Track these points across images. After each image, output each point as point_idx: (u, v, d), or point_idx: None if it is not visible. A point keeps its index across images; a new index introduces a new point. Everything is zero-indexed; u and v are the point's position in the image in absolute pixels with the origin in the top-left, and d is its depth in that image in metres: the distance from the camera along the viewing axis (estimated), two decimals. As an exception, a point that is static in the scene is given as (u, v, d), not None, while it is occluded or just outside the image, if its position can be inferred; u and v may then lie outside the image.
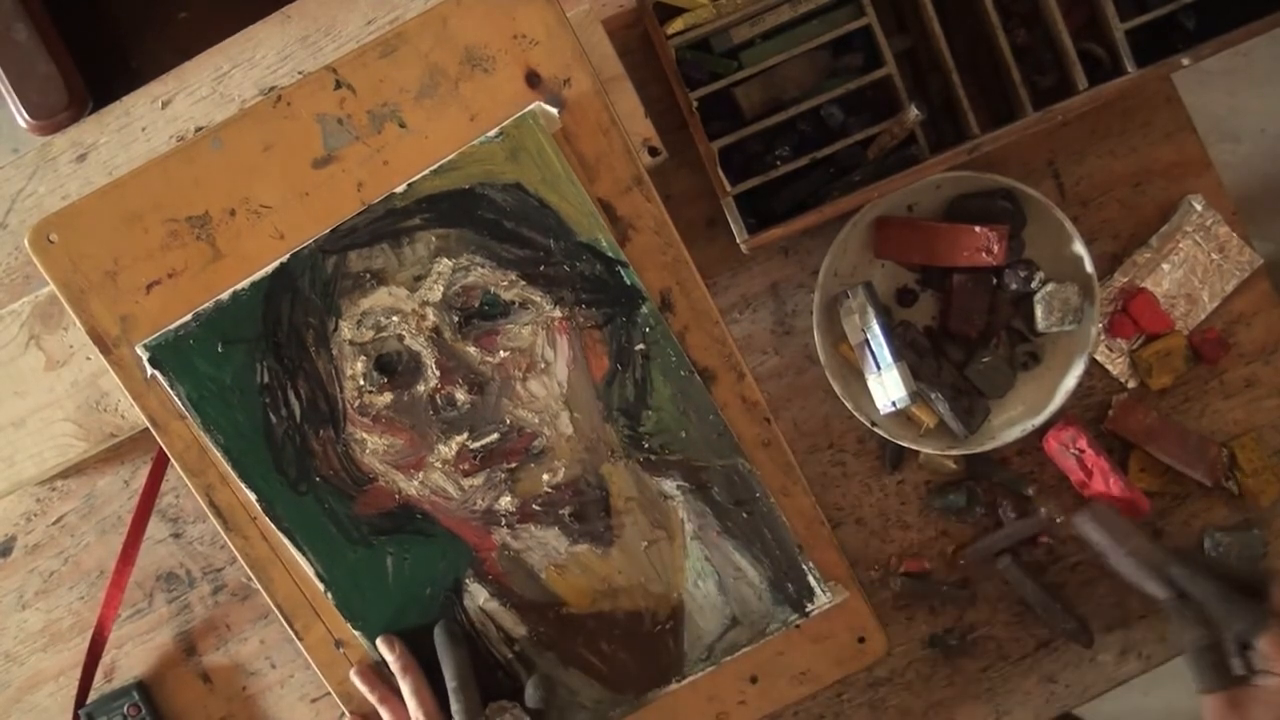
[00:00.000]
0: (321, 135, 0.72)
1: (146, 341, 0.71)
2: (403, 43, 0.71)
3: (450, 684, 0.73)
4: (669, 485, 0.75)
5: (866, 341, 0.86)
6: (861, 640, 0.79)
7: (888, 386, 0.85)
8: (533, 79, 0.72)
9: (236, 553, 0.74)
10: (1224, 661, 0.75)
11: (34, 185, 0.92)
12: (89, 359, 0.86)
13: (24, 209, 0.92)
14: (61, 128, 0.96)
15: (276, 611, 0.75)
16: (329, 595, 0.74)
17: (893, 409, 0.85)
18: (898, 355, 0.85)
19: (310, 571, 0.74)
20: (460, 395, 0.73)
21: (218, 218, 0.72)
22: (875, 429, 0.88)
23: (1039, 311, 0.87)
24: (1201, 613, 0.76)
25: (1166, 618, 0.81)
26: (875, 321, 0.86)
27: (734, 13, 0.85)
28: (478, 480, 0.74)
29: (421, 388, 0.73)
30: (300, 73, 0.92)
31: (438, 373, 0.72)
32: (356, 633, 0.75)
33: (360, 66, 0.71)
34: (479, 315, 0.72)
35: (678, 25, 0.85)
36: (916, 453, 0.92)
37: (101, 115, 0.92)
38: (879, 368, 0.86)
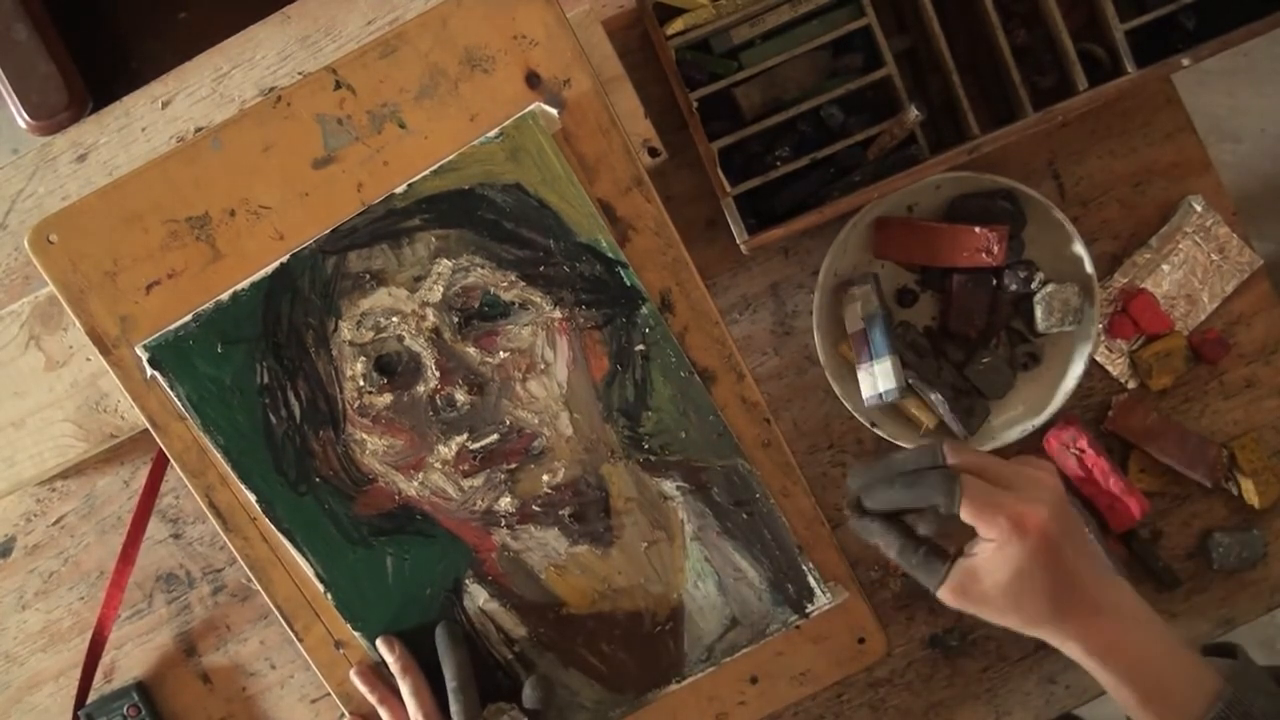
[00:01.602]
0: (321, 135, 0.72)
1: (146, 342, 0.71)
2: (403, 43, 0.71)
3: (450, 685, 0.73)
4: (669, 486, 0.75)
5: (864, 332, 0.86)
6: (861, 640, 0.79)
7: (878, 377, 0.85)
8: (533, 79, 0.72)
9: (236, 553, 0.74)
10: (937, 550, 0.68)
11: (34, 185, 0.92)
12: (89, 359, 0.86)
13: (24, 209, 0.92)
14: (61, 128, 0.96)
15: (276, 612, 0.75)
16: (329, 596, 0.74)
17: (879, 401, 0.85)
18: (892, 348, 0.85)
19: (310, 572, 0.74)
20: (460, 396, 0.73)
21: (218, 218, 0.72)
22: (876, 430, 0.88)
23: (1039, 312, 0.87)
24: (890, 519, 0.69)
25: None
26: (876, 312, 0.86)
27: (734, 13, 0.85)
28: (477, 481, 0.74)
29: (421, 388, 0.73)
30: (300, 73, 0.92)
31: (437, 373, 0.72)
32: (356, 633, 0.75)
33: (360, 67, 0.71)
34: (479, 316, 0.72)
35: (678, 25, 0.85)
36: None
37: (101, 115, 0.92)
38: (872, 358, 0.86)
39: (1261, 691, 0.64)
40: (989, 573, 0.65)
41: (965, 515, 0.65)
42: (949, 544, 0.68)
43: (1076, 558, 0.66)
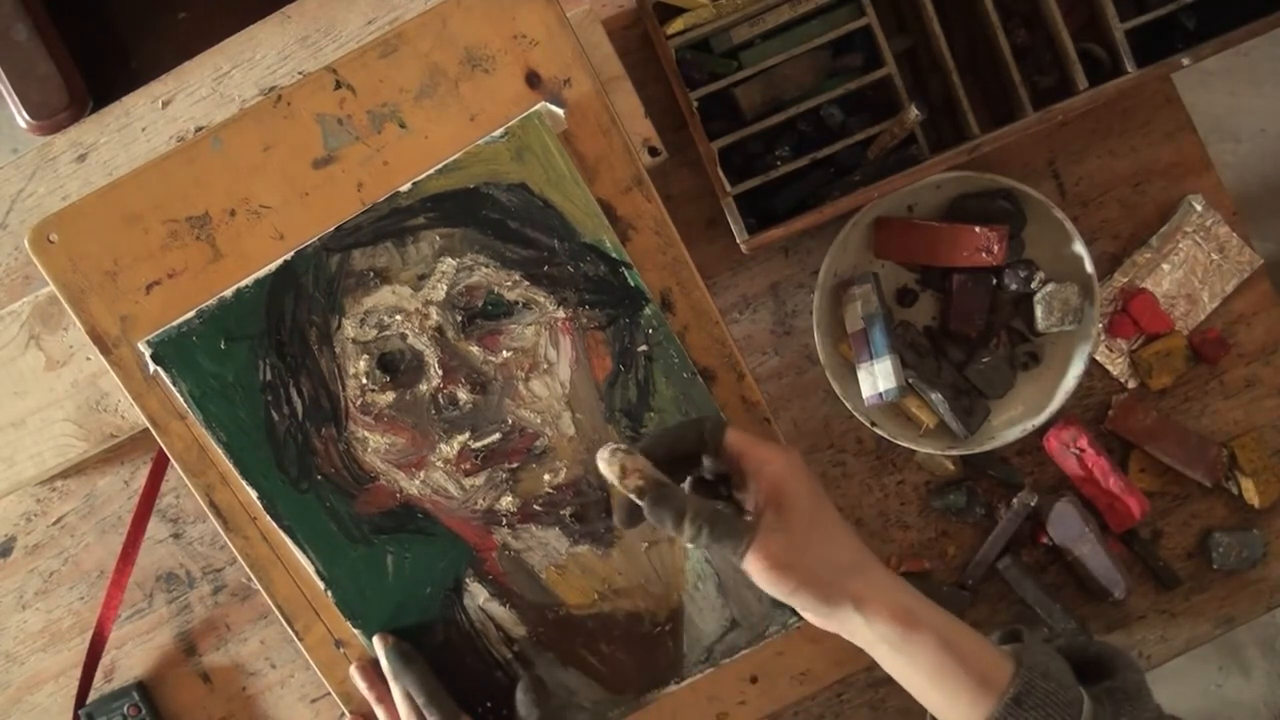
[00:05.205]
0: (321, 135, 0.72)
1: (149, 338, 0.70)
2: (403, 43, 0.71)
3: (420, 699, 0.72)
4: (670, 486, 0.75)
5: (864, 331, 0.87)
6: (862, 640, 0.79)
7: (878, 376, 0.86)
8: (533, 79, 0.72)
9: (236, 553, 0.74)
10: (732, 517, 0.64)
11: (34, 185, 0.91)
12: (89, 359, 0.86)
13: (24, 209, 0.92)
14: (61, 128, 0.96)
15: (276, 612, 0.75)
16: (329, 594, 0.74)
17: (879, 401, 0.86)
18: (892, 348, 0.85)
19: (310, 570, 0.74)
20: (463, 395, 0.73)
21: (218, 218, 0.72)
22: (876, 429, 0.88)
23: (1039, 311, 0.87)
24: (675, 491, 0.64)
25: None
26: (876, 312, 0.86)
27: (734, 13, 0.85)
28: (479, 480, 0.74)
29: (424, 387, 0.73)
30: (300, 73, 0.92)
31: (440, 372, 0.72)
32: (356, 631, 0.75)
33: (360, 66, 0.71)
34: (482, 315, 0.72)
35: (678, 25, 0.85)
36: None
37: (101, 115, 0.92)
38: (872, 357, 0.86)
39: (1047, 655, 0.62)
40: (787, 506, 0.62)
41: (733, 437, 0.65)
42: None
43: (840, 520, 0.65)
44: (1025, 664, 0.61)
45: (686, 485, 0.69)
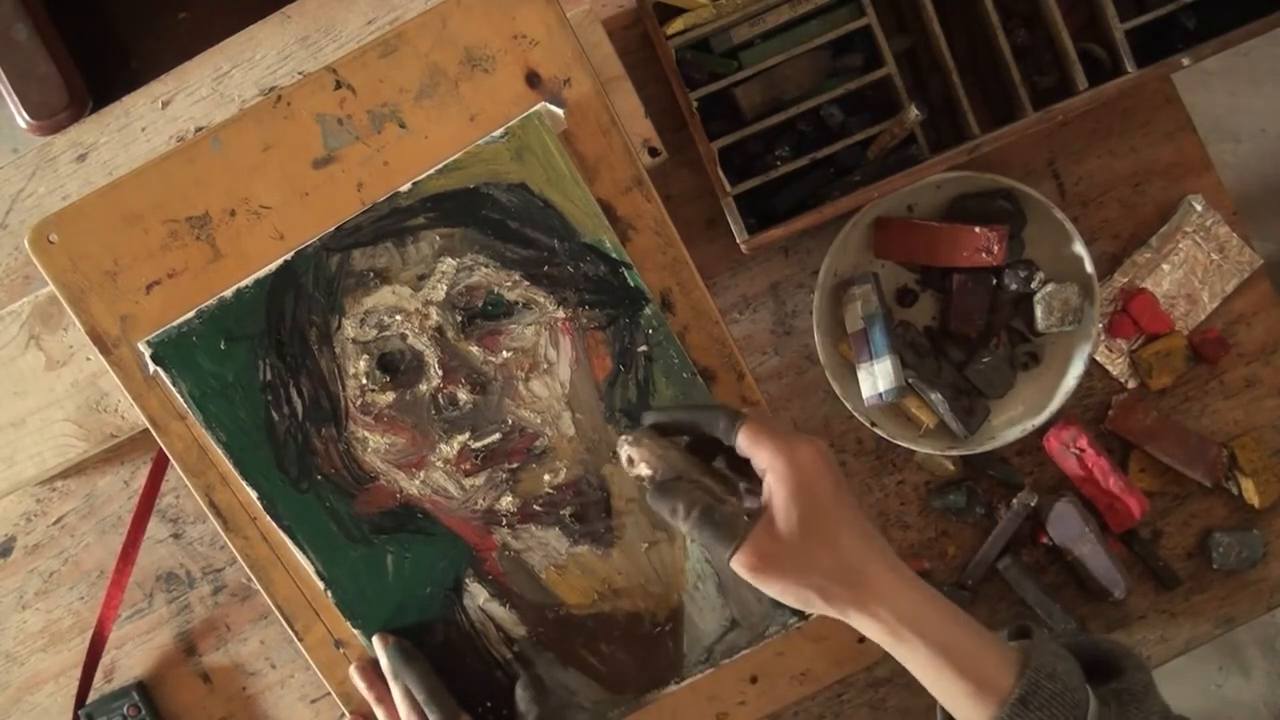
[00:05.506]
0: (321, 135, 0.72)
1: (149, 338, 0.70)
2: (403, 43, 0.71)
3: (420, 698, 0.72)
4: (670, 486, 0.75)
5: (864, 331, 0.87)
6: (861, 640, 0.79)
7: (878, 377, 0.86)
8: (533, 79, 0.72)
9: (236, 553, 0.74)
10: (728, 516, 0.64)
11: (34, 185, 0.91)
12: (89, 359, 0.86)
13: (24, 209, 0.92)
14: (61, 128, 0.96)
15: (276, 612, 0.75)
16: (329, 594, 0.74)
17: (879, 401, 0.86)
18: (892, 348, 0.85)
19: (310, 570, 0.74)
20: (462, 395, 0.73)
21: (218, 218, 0.72)
22: (876, 430, 0.88)
23: (1039, 311, 0.87)
24: (682, 482, 0.65)
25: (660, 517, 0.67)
26: (876, 312, 0.86)
27: (734, 13, 0.85)
28: (479, 480, 0.74)
29: (424, 387, 0.73)
30: (300, 73, 0.92)
31: (440, 372, 0.72)
32: (356, 631, 0.75)
33: (360, 66, 0.71)
34: (482, 315, 0.72)
35: (678, 25, 0.85)
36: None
37: (101, 115, 0.92)
38: (872, 357, 0.86)
39: (1055, 655, 0.62)
40: (782, 511, 0.62)
41: (744, 438, 0.65)
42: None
43: (859, 511, 0.65)
44: (1032, 664, 0.61)
45: (719, 460, 0.69)
